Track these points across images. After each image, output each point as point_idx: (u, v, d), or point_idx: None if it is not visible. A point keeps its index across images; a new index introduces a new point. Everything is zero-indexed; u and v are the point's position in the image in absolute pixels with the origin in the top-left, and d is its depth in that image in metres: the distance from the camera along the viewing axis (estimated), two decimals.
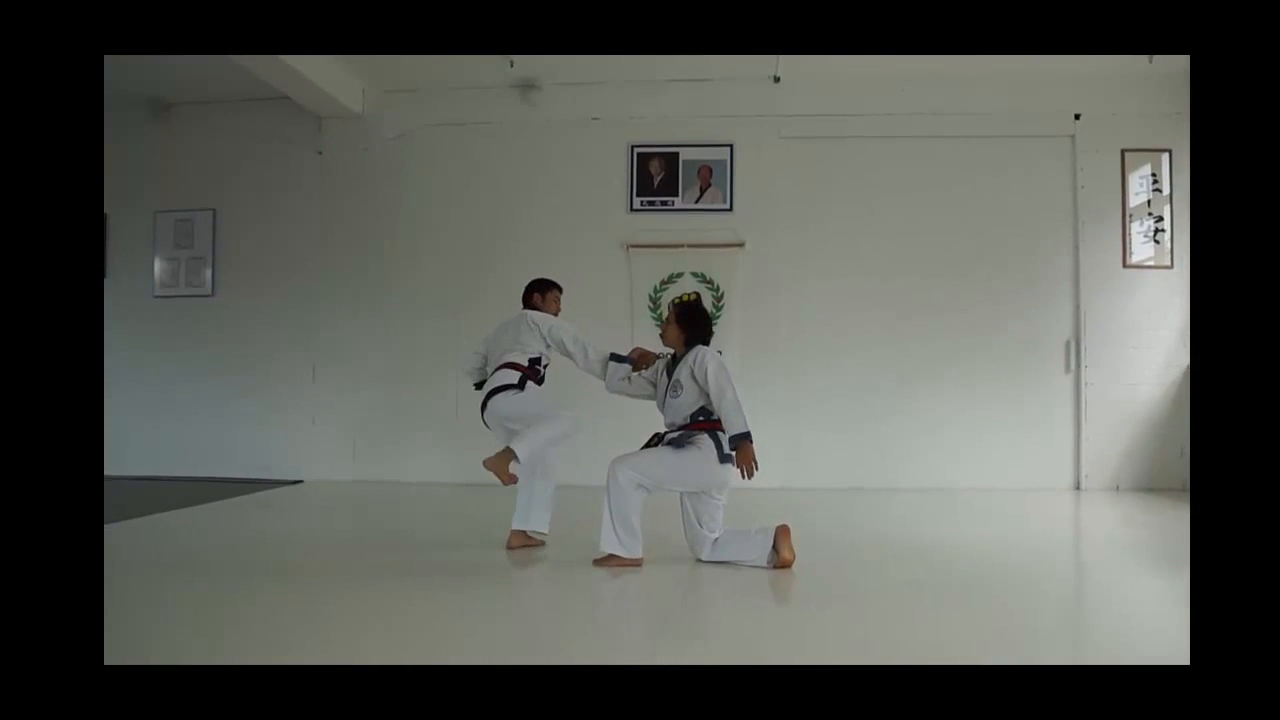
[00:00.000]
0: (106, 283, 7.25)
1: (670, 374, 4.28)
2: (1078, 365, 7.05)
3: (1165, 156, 7.07)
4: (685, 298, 4.40)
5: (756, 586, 3.81)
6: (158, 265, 7.69)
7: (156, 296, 7.68)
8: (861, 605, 3.54)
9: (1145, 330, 7.04)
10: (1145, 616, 3.50)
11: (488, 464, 4.22)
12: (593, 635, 3.29)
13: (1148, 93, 7.03)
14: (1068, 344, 7.08)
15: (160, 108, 7.58)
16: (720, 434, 4.06)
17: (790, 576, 3.94)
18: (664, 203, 7.24)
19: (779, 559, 4.03)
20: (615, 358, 4.48)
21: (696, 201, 7.22)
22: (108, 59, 2.26)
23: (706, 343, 4.28)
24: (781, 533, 4.07)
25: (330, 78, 6.87)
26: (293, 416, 7.47)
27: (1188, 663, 2.05)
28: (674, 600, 3.76)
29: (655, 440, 4.29)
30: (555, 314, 4.77)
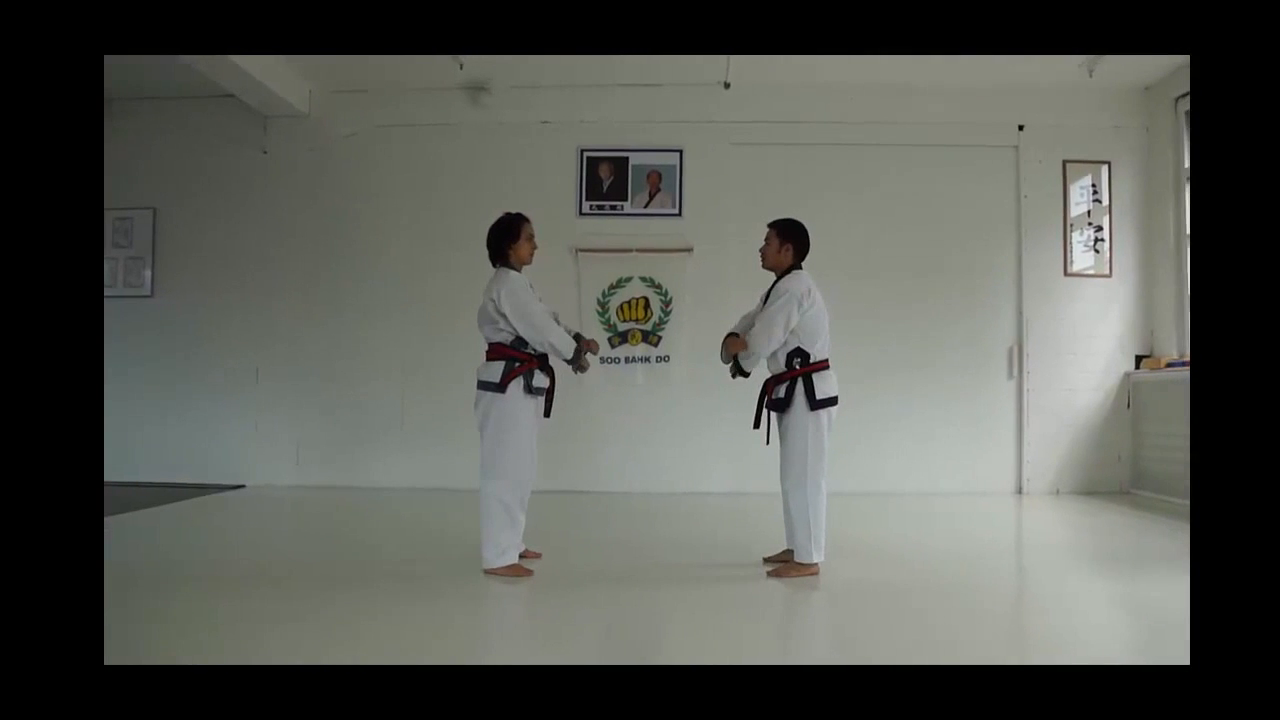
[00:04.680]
0: None
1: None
2: (1020, 371, 7.17)
3: (1105, 168, 7.22)
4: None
5: (710, 593, 3.81)
6: None
7: None
8: (816, 610, 3.60)
9: (1085, 338, 7.19)
10: (1094, 618, 3.60)
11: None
12: (569, 638, 3.27)
13: (1089, 106, 7.19)
14: (1010, 350, 7.19)
15: None
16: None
17: (737, 582, 3.97)
18: (613, 207, 7.23)
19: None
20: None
21: (646, 206, 7.22)
22: None
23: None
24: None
25: (277, 77, 6.78)
26: (235, 420, 7.34)
27: (1140, 662, 2.07)
28: (634, 613, 3.72)
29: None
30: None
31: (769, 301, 4.10)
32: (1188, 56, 6.10)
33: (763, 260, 4.28)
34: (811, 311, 4.04)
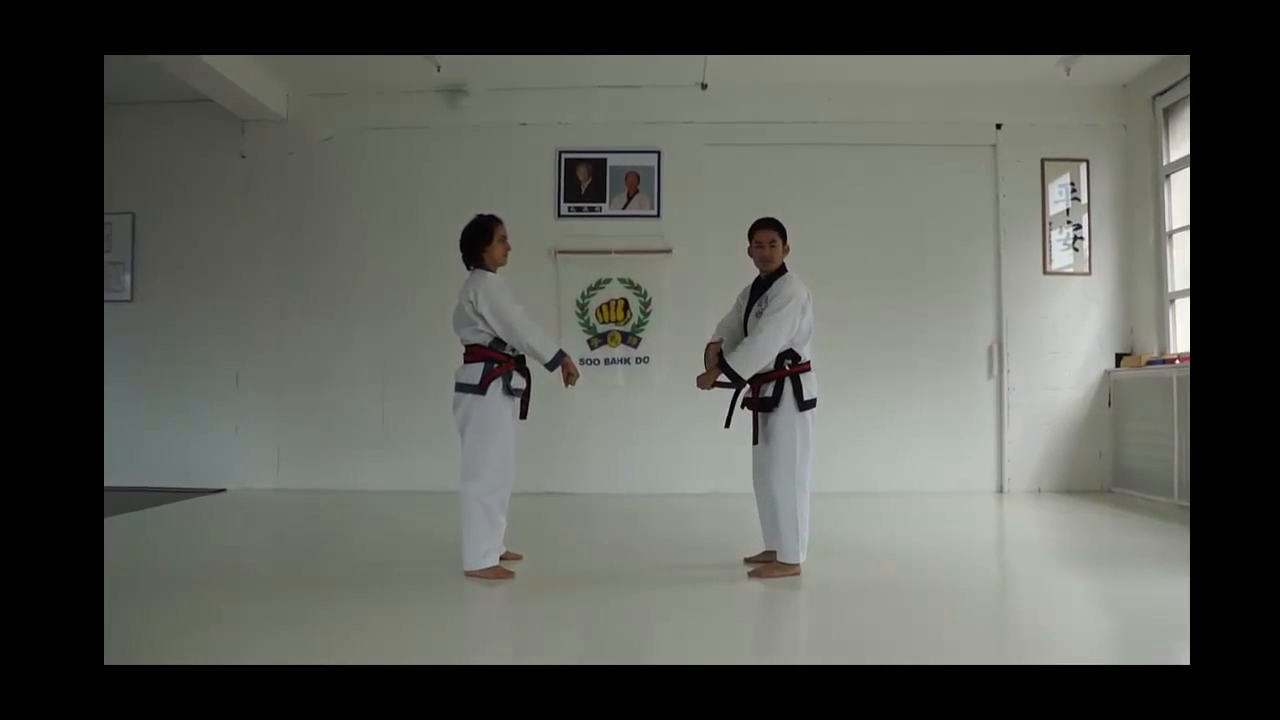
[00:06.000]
0: None
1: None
2: (1000, 370, 7.18)
3: (1083, 166, 7.24)
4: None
5: (692, 594, 3.80)
6: None
7: None
8: (799, 611, 3.62)
9: (1064, 336, 7.20)
10: (1077, 617, 3.62)
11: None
12: (550, 639, 3.26)
13: (1066, 104, 7.20)
14: (990, 349, 7.20)
15: None
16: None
17: (719, 582, 3.96)
18: (591, 209, 7.22)
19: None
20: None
21: (624, 208, 7.22)
22: None
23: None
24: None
25: (253, 80, 6.76)
26: (215, 424, 7.31)
27: (1126, 661, 2.05)
28: (616, 614, 3.67)
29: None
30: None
31: (772, 304, 4.03)
32: (1165, 56, 6.29)
33: (768, 263, 4.20)
34: (809, 315, 4.07)
